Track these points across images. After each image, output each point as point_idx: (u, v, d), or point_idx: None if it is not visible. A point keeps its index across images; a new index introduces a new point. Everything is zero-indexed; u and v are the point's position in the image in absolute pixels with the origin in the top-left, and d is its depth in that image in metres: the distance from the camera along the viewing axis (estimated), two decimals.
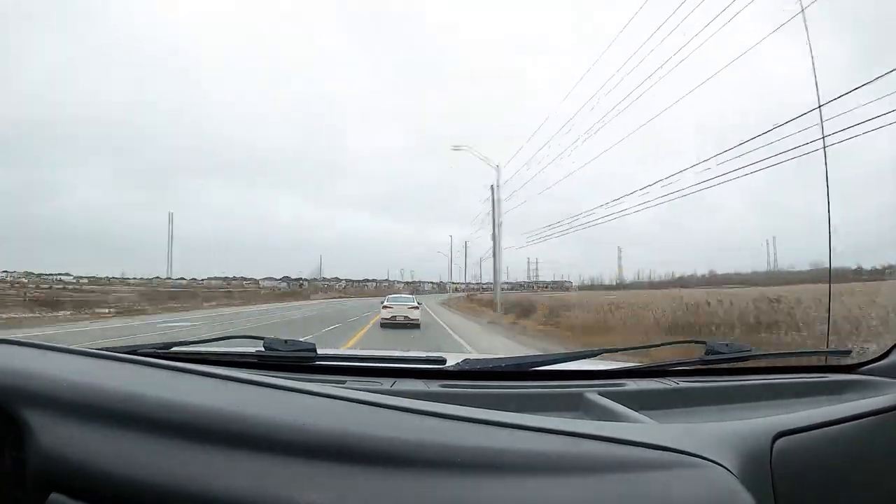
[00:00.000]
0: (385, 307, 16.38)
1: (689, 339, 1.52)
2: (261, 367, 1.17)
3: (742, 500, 0.64)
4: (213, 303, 34.91)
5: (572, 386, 1.14)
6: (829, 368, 1.35)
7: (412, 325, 15.33)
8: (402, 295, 20.34)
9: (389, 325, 15.35)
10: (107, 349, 0.96)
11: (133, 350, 1.09)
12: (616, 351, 1.69)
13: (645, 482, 0.64)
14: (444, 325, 18.05)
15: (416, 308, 16.17)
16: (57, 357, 0.83)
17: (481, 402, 0.86)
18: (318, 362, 1.21)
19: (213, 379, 0.78)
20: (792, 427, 0.82)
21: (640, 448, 0.68)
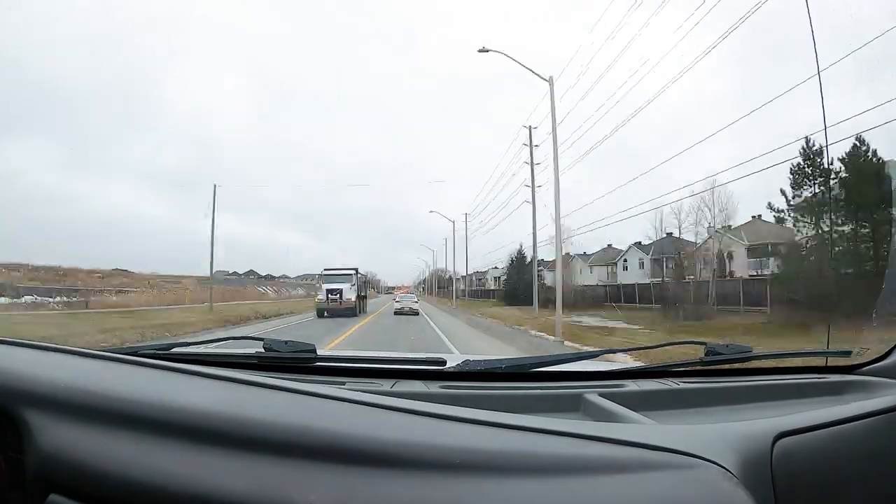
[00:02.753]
0: (396, 301, 24.88)
1: (689, 339, 1.52)
2: (261, 368, 1.17)
3: (742, 500, 0.64)
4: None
5: (572, 387, 1.13)
6: (830, 369, 1.35)
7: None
8: (408, 294, 29.69)
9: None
10: (108, 350, 0.96)
11: (134, 351, 1.09)
12: (617, 352, 1.70)
13: (645, 483, 0.64)
14: None
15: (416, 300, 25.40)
16: (57, 358, 0.83)
17: (481, 404, 0.86)
18: (317, 363, 1.21)
19: (213, 380, 0.78)
20: (792, 428, 0.82)
21: (641, 449, 0.68)
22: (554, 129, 14.81)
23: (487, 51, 15.56)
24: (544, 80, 15.11)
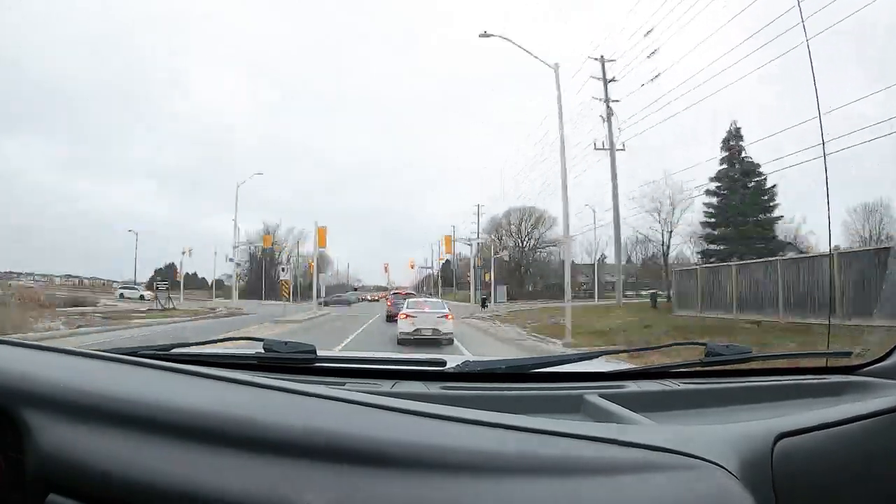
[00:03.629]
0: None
1: (689, 340, 1.53)
2: (260, 369, 1.17)
3: (743, 501, 0.64)
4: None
5: (572, 388, 1.13)
6: (830, 370, 1.35)
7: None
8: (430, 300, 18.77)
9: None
10: (108, 350, 0.96)
11: (134, 351, 1.10)
12: (617, 352, 1.72)
13: (646, 484, 0.64)
14: None
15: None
16: (57, 358, 0.83)
17: (481, 404, 0.86)
18: (317, 364, 1.21)
19: (213, 381, 0.78)
20: (793, 429, 0.81)
21: (641, 450, 0.68)
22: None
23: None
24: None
